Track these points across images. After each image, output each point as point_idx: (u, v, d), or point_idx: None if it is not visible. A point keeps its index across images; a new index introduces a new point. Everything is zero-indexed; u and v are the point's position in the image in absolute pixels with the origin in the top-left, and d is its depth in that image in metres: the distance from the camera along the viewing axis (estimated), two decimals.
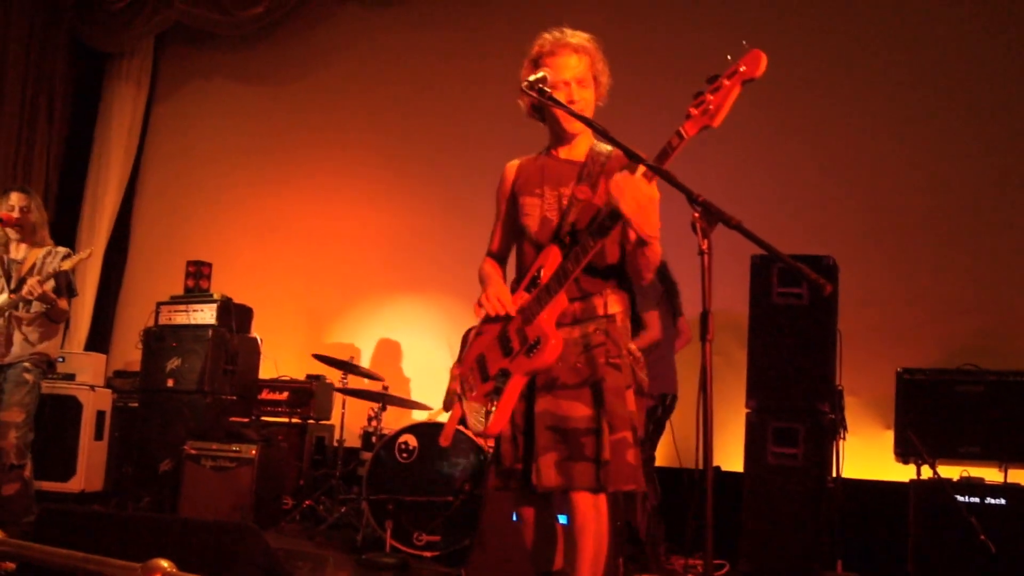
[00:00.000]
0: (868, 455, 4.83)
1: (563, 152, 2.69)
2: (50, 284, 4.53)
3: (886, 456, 4.50)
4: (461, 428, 4.51)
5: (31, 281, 4.42)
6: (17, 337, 4.59)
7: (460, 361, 3.98)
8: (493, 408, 2.56)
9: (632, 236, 2.41)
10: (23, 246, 4.74)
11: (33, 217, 4.73)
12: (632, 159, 2.35)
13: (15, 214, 4.64)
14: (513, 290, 2.65)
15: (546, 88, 2.50)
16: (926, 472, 4.19)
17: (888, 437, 4.49)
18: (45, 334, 4.68)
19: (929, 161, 5.33)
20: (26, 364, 4.57)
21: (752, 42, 2.15)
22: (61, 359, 5.97)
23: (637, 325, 4.75)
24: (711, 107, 2.20)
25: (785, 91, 5.39)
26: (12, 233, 4.68)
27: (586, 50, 2.62)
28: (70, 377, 6.19)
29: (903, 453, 4.33)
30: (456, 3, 6.89)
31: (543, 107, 2.66)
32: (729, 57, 2.18)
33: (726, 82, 2.18)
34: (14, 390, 4.52)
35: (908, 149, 5.38)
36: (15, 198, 4.68)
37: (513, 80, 2.58)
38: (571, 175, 2.63)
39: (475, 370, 2.68)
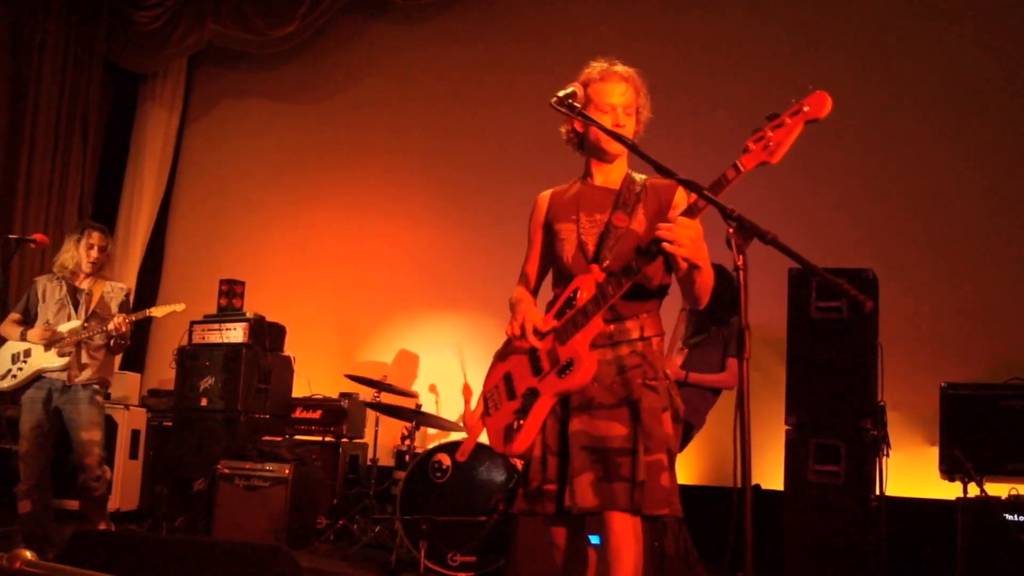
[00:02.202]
0: (912, 472, 4.71)
1: (599, 179, 2.69)
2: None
3: (931, 474, 4.37)
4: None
5: (119, 318, 4.68)
6: (86, 360, 4.79)
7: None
8: (519, 427, 2.52)
9: (683, 265, 2.38)
10: (88, 279, 4.92)
11: (108, 256, 4.98)
12: (665, 175, 2.32)
13: (95, 252, 4.85)
14: (547, 311, 2.62)
15: (576, 104, 2.48)
16: (973, 490, 4.06)
17: (933, 454, 4.38)
18: (107, 359, 4.92)
19: (972, 169, 5.20)
20: (96, 386, 4.81)
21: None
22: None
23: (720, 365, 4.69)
24: (771, 144, 2.21)
25: None
26: (87, 268, 4.87)
27: (634, 81, 2.65)
28: (106, 396, 6.22)
29: (949, 470, 4.21)
30: (486, 20, 6.87)
31: (583, 134, 2.66)
32: (793, 100, 2.21)
33: (788, 120, 2.21)
34: (89, 410, 4.74)
35: (951, 157, 5.26)
36: (96, 238, 4.89)
37: (545, 98, 2.56)
38: (607, 202, 2.62)
39: (501, 388, 2.65)
